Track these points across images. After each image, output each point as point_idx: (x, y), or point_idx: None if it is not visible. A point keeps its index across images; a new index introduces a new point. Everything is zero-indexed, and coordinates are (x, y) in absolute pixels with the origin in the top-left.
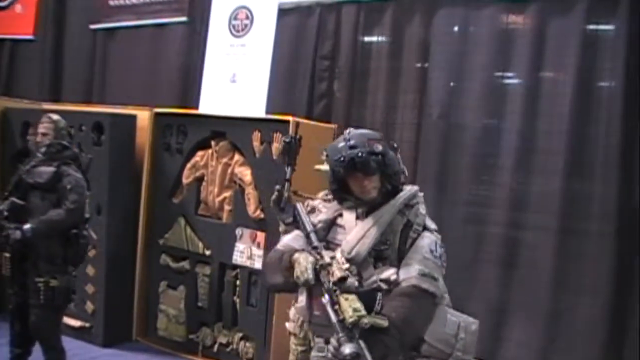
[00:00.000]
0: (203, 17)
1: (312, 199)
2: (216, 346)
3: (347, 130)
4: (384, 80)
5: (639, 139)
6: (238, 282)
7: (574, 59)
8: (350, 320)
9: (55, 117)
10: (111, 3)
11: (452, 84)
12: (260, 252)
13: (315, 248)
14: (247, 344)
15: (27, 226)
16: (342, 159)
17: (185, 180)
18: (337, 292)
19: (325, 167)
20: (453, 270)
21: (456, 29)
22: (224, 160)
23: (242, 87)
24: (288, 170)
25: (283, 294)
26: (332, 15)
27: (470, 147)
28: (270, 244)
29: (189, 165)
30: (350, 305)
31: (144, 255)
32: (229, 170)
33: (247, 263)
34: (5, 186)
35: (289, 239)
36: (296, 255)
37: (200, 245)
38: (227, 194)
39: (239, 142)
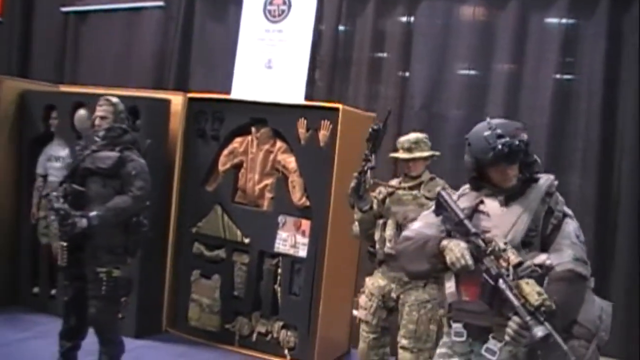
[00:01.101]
0: (180, 1)
1: (389, 186)
2: (254, 335)
3: (487, 119)
4: (366, 71)
5: (618, 134)
6: (279, 271)
7: (554, 54)
8: (536, 303)
9: (114, 99)
10: None
11: (434, 75)
12: (305, 240)
13: (476, 235)
14: (289, 333)
15: (93, 213)
16: (492, 147)
17: (221, 168)
18: (515, 277)
19: (404, 155)
20: None
21: (439, 21)
22: (266, 147)
23: (279, 74)
24: (373, 158)
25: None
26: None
27: (452, 137)
28: (315, 232)
29: (225, 152)
30: (534, 289)
31: (175, 244)
32: (271, 158)
33: (291, 251)
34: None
35: (420, 227)
36: (445, 242)
37: (239, 233)
38: (268, 181)
39: (282, 129)
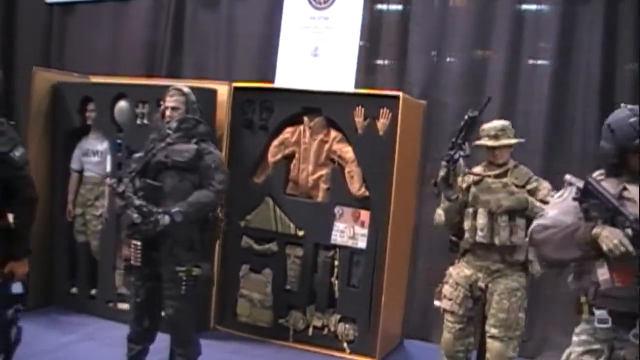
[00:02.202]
0: None
1: (475, 174)
2: (310, 330)
3: (626, 106)
4: (363, 58)
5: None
6: (336, 263)
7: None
8: None
9: (185, 89)
10: None
11: (433, 60)
12: (365, 231)
13: (636, 221)
14: (347, 326)
15: (174, 209)
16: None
17: (271, 159)
18: None
19: (491, 142)
20: (435, 253)
21: (436, 6)
22: (319, 137)
23: (326, 62)
24: (466, 146)
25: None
26: None
27: (451, 125)
28: (375, 222)
29: (276, 143)
30: None
31: (222, 238)
32: (326, 148)
33: (349, 243)
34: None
35: (557, 214)
36: (597, 229)
37: (292, 225)
38: (323, 172)
39: (336, 118)
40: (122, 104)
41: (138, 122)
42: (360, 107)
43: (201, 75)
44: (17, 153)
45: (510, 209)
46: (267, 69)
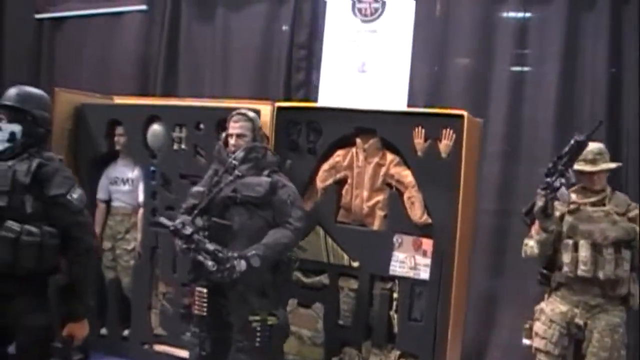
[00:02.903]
0: (165, 4)
1: (572, 203)
2: None
3: None
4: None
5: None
6: (395, 295)
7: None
8: None
9: (251, 114)
10: None
11: (436, 69)
12: (427, 261)
13: None
14: None
15: (251, 253)
16: None
17: (321, 184)
18: None
19: (589, 167)
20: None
21: (438, 14)
22: (375, 160)
23: (375, 78)
24: (570, 173)
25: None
26: (308, 1)
27: None
28: (439, 251)
29: (326, 167)
30: None
31: None
32: (382, 171)
33: (410, 273)
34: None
35: None
36: None
37: (345, 256)
38: (379, 197)
39: (394, 140)
40: (156, 127)
41: (175, 147)
42: (420, 127)
43: (197, 92)
44: (75, 195)
45: (617, 240)
46: (268, 86)
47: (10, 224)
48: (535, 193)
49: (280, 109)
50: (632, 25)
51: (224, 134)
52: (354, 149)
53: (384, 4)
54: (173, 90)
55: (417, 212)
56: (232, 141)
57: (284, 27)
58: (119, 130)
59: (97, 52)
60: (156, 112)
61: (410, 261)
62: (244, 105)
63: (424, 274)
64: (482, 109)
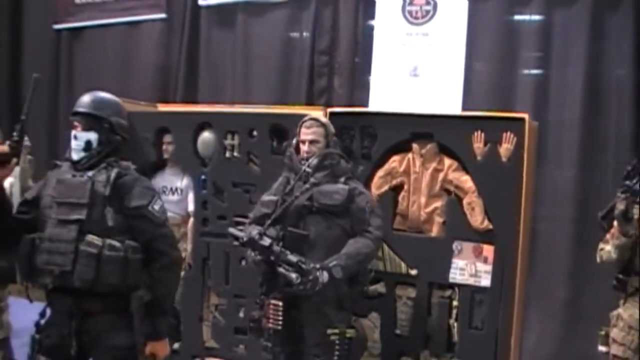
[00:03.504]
0: (185, 12)
1: None
2: None
3: None
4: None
5: None
6: (455, 303)
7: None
8: None
9: (323, 119)
10: (77, 1)
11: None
12: (488, 268)
13: None
14: None
15: (332, 264)
16: None
17: (376, 191)
18: None
19: None
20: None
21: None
22: (432, 165)
23: (428, 82)
24: None
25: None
26: (329, 8)
27: None
28: (500, 257)
29: (381, 173)
30: None
31: None
32: (440, 177)
33: (471, 281)
34: None
35: None
36: None
37: (403, 264)
38: (437, 203)
39: (451, 144)
40: (207, 135)
41: (227, 154)
42: (479, 131)
43: (218, 99)
44: (157, 206)
45: None
46: (289, 92)
47: (92, 238)
48: (616, 197)
49: (333, 114)
50: None
51: (294, 140)
52: (410, 155)
53: (435, 6)
54: (194, 98)
55: (477, 218)
56: (304, 148)
57: (305, 34)
58: (167, 138)
59: (116, 61)
60: (207, 119)
61: (470, 268)
62: (295, 111)
63: (485, 281)
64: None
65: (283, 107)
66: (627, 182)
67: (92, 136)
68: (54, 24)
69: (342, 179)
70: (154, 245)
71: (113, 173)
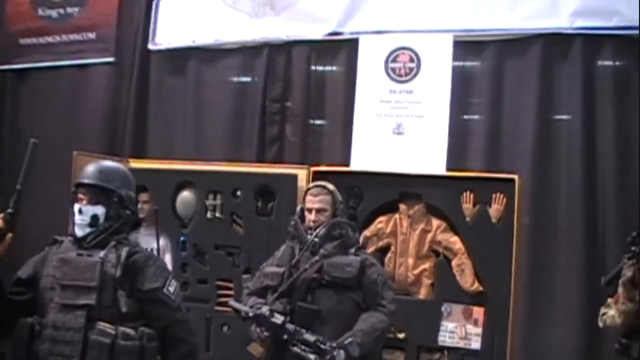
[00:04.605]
0: (134, 57)
1: None
2: None
3: None
4: (341, 123)
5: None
6: None
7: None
8: None
9: (330, 186)
10: (22, 42)
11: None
12: (479, 330)
13: None
14: None
15: (348, 341)
16: None
17: None
18: None
19: None
20: None
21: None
22: (421, 226)
23: (413, 140)
24: None
25: None
26: (282, 56)
27: None
28: (492, 320)
29: (367, 234)
30: None
31: None
32: (429, 238)
33: (461, 344)
34: None
35: None
36: None
37: (391, 327)
38: (425, 265)
39: (440, 205)
40: (187, 194)
41: (209, 215)
42: (468, 192)
43: (168, 147)
44: (172, 288)
45: None
46: (241, 140)
47: (104, 325)
48: (621, 262)
49: (317, 173)
50: None
51: (298, 207)
52: (397, 215)
53: (419, 63)
54: (142, 146)
55: (468, 280)
56: (311, 217)
57: (257, 80)
58: (143, 197)
59: (63, 106)
60: (188, 178)
61: (460, 331)
62: (282, 171)
63: (476, 344)
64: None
65: (269, 165)
66: (634, 248)
67: (100, 210)
68: None
69: (353, 250)
70: (171, 332)
71: (124, 252)
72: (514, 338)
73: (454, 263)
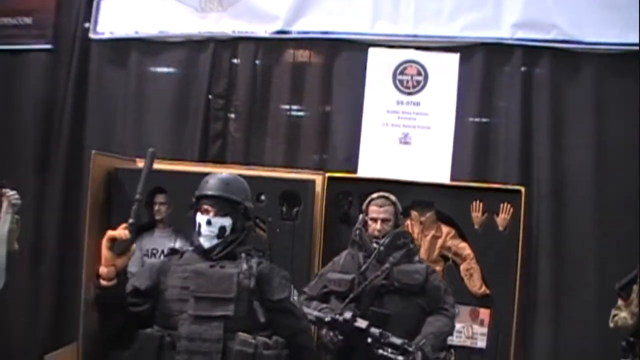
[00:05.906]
0: (74, 46)
1: None
2: None
3: None
4: (285, 121)
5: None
6: None
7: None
8: None
9: (393, 197)
10: None
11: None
12: (484, 330)
13: None
14: None
15: (422, 342)
16: None
17: None
18: None
19: None
20: None
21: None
22: (431, 232)
23: (419, 150)
24: None
25: None
26: (228, 51)
27: None
28: (497, 321)
29: None
30: None
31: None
32: (439, 244)
33: (467, 343)
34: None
35: None
36: None
37: None
38: (435, 269)
39: (451, 213)
40: None
41: None
42: (477, 201)
43: (107, 139)
44: (296, 298)
45: None
46: (184, 136)
47: (244, 336)
48: (637, 269)
49: (331, 179)
50: None
51: (361, 216)
52: (409, 221)
53: (426, 76)
54: (79, 139)
55: (476, 283)
56: (376, 226)
57: (202, 75)
58: (160, 198)
59: None
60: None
61: (467, 331)
62: (307, 177)
63: (481, 343)
64: None
65: (293, 171)
66: None
67: (227, 222)
68: None
69: (417, 258)
70: (297, 340)
71: (254, 263)
72: (517, 337)
73: (462, 267)
